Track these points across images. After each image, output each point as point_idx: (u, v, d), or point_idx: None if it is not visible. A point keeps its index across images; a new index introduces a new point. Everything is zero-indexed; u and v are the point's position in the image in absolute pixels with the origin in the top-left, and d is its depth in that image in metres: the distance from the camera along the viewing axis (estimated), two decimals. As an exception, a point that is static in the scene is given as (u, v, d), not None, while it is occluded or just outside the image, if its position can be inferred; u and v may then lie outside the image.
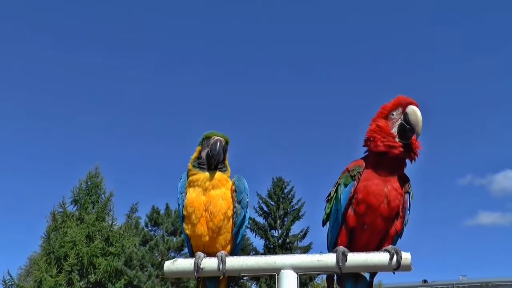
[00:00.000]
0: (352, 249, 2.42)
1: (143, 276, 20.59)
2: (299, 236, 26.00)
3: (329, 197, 2.62)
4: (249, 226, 26.68)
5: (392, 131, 2.44)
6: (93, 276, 20.51)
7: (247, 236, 27.06)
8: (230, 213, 2.63)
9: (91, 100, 41.14)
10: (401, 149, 2.41)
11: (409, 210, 2.53)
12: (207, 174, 2.61)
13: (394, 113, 2.45)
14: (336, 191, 2.52)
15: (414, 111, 2.41)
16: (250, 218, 26.67)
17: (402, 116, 2.43)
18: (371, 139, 2.46)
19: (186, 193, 2.65)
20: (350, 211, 2.47)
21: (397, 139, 2.43)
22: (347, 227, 2.50)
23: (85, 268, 20.47)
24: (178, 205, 2.69)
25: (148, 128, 43.07)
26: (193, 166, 2.65)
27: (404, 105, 2.44)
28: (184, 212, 2.64)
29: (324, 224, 2.68)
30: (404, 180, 2.49)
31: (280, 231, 26.28)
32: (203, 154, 2.64)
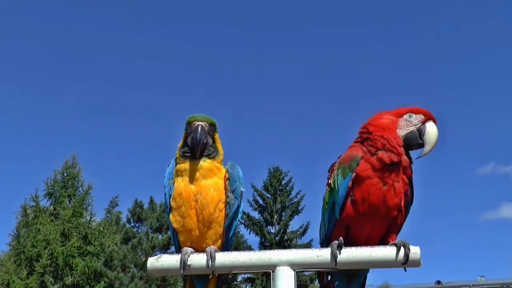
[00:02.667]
0: (350, 245, 2.46)
1: (125, 278, 20.72)
2: (298, 232, 26.21)
3: (328, 188, 2.65)
4: (243, 222, 26.84)
5: (398, 132, 2.49)
6: (69, 278, 20.60)
7: (240, 233, 27.24)
8: (222, 205, 2.64)
9: (68, 81, 40.88)
10: (401, 158, 2.45)
11: (410, 204, 2.59)
12: (195, 162, 2.62)
13: (414, 116, 2.50)
14: (334, 181, 2.55)
15: (434, 129, 2.47)
16: (244, 213, 26.92)
17: (419, 126, 2.49)
18: (375, 137, 2.50)
19: (174, 182, 2.67)
20: (349, 204, 2.51)
21: (400, 146, 2.47)
22: (343, 220, 2.54)
23: (60, 269, 20.54)
24: (165, 194, 2.70)
25: (132, 113, 43.07)
26: (180, 155, 2.67)
27: (427, 117, 2.50)
28: (172, 203, 2.65)
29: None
30: (407, 172, 2.51)
31: (277, 227, 26.48)
32: (188, 141, 2.64)
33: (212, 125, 2.67)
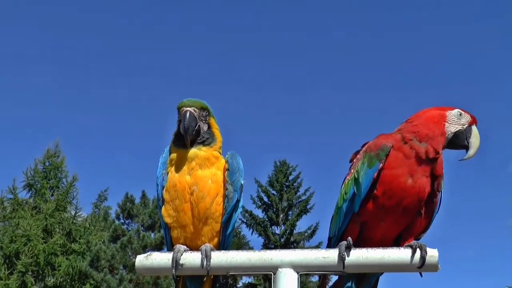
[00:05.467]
0: (362, 245, 2.49)
1: (112, 280, 20.88)
2: (306, 234, 26.29)
3: (350, 177, 2.69)
4: (245, 221, 26.96)
5: (447, 127, 2.59)
6: (51, 279, 20.80)
7: (242, 233, 27.38)
8: (220, 198, 2.68)
9: (49, 60, 40.92)
10: (437, 155, 2.56)
11: (438, 207, 2.67)
12: (189, 151, 2.66)
13: (463, 115, 2.62)
14: (358, 171, 2.60)
15: (478, 134, 2.61)
16: (246, 211, 27.03)
17: (466, 127, 2.61)
18: (419, 127, 2.57)
19: (167, 173, 2.70)
20: (371, 197, 2.55)
21: (442, 143, 2.58)
22: (361, 215, 2.58)
23: (41, 268, 20.73)
24: (157, 185, 2.74)
25: (123, 96, 43.01)
26: (173, 142, 2.72)
27: (473, 120, 2.63)
28: (165, 196, 2.69)
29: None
30: (437, 170, 2.59)
31: (283, 228, 26.56)
32: (180, 128, 2.68)
33: (203, 109, 2.71)
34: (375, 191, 2.54)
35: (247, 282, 26.74)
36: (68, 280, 20.94)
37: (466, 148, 2.61)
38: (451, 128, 2.59)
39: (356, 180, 2.59)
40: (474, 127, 2.62)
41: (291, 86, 43.43)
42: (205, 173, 2.65)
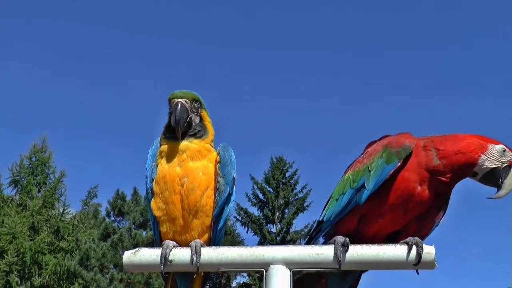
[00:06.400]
0: (354, 238, 2.51)
1: (103, 279, 20.91)
2: (303, 232, 26.38)
3: (359, 167, 2.70)
4: (240, 219, 27.04)
5: (482, 159, 2.55)
6: (37, 278, 20.78)
7: (236, 231, 27.45)
8: (211, 191, 2.70)
9: (35, 51, 40.75)
10: (442, 176, 2.55)
11: (439, 222, 2.70)
12: (181, 143, 2.68)
13: (507, 153, 2.56)
14: (374, 163, 2.60)
15: None
16: (242, 209, 27.07)
17: (505, 166, 2.55)
18: (445, 149, 2.55)
19: (157, 165, 2.73)
20: (379, 192, 2.57)
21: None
22: (363, 208, 2.60)
23: (27, 268, 20.70)
24: (146, 178, 2.75)
25: (114, 88, 42.87)
26: (164, 134, 2.74)
27: None
28: (154, 188, 2.70)
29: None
30: (444, 190, 2.63)
31: (279, 226, 26.65)
32: (171, 120, 2.71)
33: (195, 101, 2.73)
34: (385, 187, 2.55)
35: (241, 282, 26.82)
36: (56, 280, 20.92)
37: (498, 187, 2.57)
38: (488, 163, 2.54)
39: (369, 172, 2.60)
40: None
41: (289, 80, 43.45)
42: (196, 165, 2.68)
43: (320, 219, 2.79)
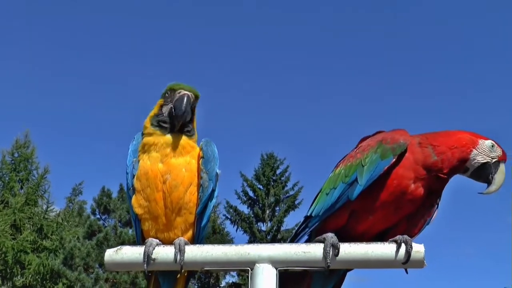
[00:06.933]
0: (343, 235, 2.52)
1: (87, 279, 20.87)
2: (294, 231, 26.32)
3: (352, 161, 2.70)
4: (229, 217, 27.06)
5: (473, 154, 2.60)
6: (20, 278, 20.69)
7: (226, 230, 27.46)
8: (194, 188, 2.69)
9: (17, 43, 40.38)
10: (440, 172, 2.59)
11: (430, 220, 2.73)
12: (168, 137, 2.67)
13: (495, 148, 2.61)
14: (367, 159, 2.61)
15: (504, 172, 2.63)
16: (231, 207, 27.09)
17: (494, 161, 2.61)
18: (440, 145, 2.59)
19: (138, 160, 2.71)
20: (372, 188, 2.57)
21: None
22: (354, 203, 2.60)
23: (9, 267, 20.61)
24: (127, 174, 2.74)
25: (98, 81, 42.63)
26: (152, 124, 2.70)
27: (504, 157, 2.64)
28: (135, 184, 2.69)
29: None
30: (437, 188, 2.66)
31: (269, 224, 26.72)
32: (165, 110, 2.69)
33: (196, 99, 2.74)
34: (378, 183, 2.56)
35: (231, 281, 26.87)
36: (39, 280, 20.87)
37: (489, 182, 2.62)
38: (479, 157, 2.59)
39: (362, 167, 2.61)
40: (502, 164, 2.63)
41: (280, 74, 43.47)
42: (179, 161, 2.67)
43: (308, 214, 2.78)
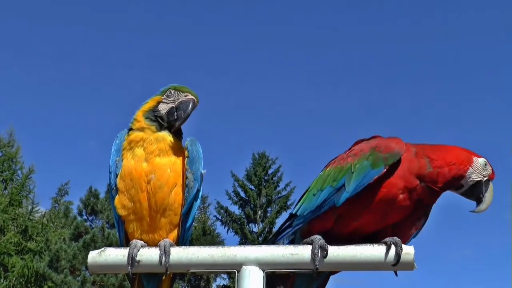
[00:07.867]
0: (328, 237, 2.53)
1: (74, 282, 20.78)
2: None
3: (342, 164, 2.70)
4: (220, 218, 27.04)
5: (469, 173, 2.63)
6: (3, 281, 20.56)
7: (216, 231, 27.44)
8: (179, 188, 2.70)
9: (1, 39, 40.08)
10: (439, 193, 2.64)
11: (418, 232, 2.77)
12: (157, 134, 2.69)
13: (487, 167, 2.65)
14: (357, 165, 2.61)
15: (492, 191, 2.67)
16: (222, 207, 27.06)
17: (485, 180, 2.64)
18: (437, 159, 2.60)
19: (122, 159, 2.72)
20: (357, 196, 2.56)
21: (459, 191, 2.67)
22: (341, 208, 2.59)
23: (-8, 269, 20.50)
24: (110, 174, 2.74)
25: (84, 79, 42.42)
26: (147, 117, 2.74)
27: (492, 176, 2.67)
28: (119, 184, 2.69)
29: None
30: (428, 201, 2.69)
31: (261, 225, 26.71)
32: (163, 108, 2.74)
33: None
34: (366, 190, 2.55)
35: (221, 284, 26.86)
36: (23, 283, 20.75)
37: (479, 200, 2.65)
38: (474, 176, 2.62)
39: (351, 173, 2.60)
40: (491, 183, 2.67)
41: (272, 74, 43.50)
42: (164, 161, 2.68)
43: (294, 212, 2.79)
